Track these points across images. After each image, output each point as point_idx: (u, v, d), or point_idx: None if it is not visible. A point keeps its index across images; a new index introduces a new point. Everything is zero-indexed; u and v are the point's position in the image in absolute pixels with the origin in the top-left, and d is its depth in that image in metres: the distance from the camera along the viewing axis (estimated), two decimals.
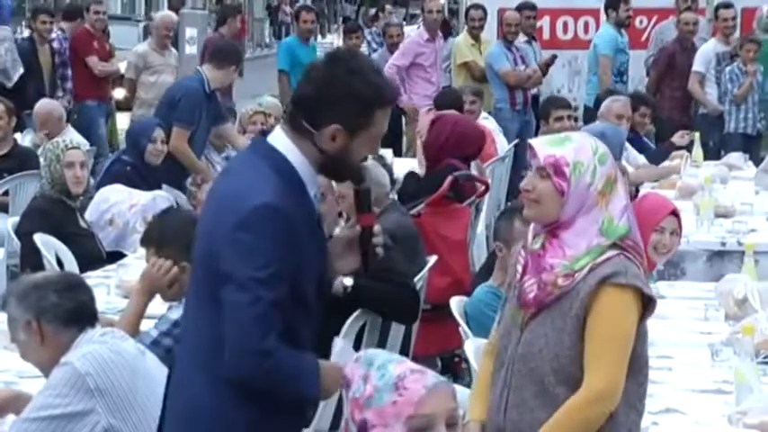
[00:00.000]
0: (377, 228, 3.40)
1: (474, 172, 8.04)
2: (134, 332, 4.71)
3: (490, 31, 13.69)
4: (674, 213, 5.80)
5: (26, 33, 16.24)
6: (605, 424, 3.56)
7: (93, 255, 7.07)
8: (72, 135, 9.72)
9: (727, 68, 12.32)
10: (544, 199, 3.61)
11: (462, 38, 13.49)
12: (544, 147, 3.64)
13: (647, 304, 3.61)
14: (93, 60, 13.13)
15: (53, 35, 13.32)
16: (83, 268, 6.56)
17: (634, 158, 9.63)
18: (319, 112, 3.32)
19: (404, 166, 9.60)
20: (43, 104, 10.36)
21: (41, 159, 7.96)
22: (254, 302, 3.22)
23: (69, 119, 11.27)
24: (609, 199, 3.61)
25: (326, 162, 3.35)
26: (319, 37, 14.20)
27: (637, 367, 3.61)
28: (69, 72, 13.22)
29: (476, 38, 13.32)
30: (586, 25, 14.36)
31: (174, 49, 13.14)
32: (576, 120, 9.95)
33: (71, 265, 6.82)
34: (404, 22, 17.38)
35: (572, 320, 3.55)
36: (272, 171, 3.34)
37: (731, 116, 12.26)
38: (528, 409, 3.59)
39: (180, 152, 8.81)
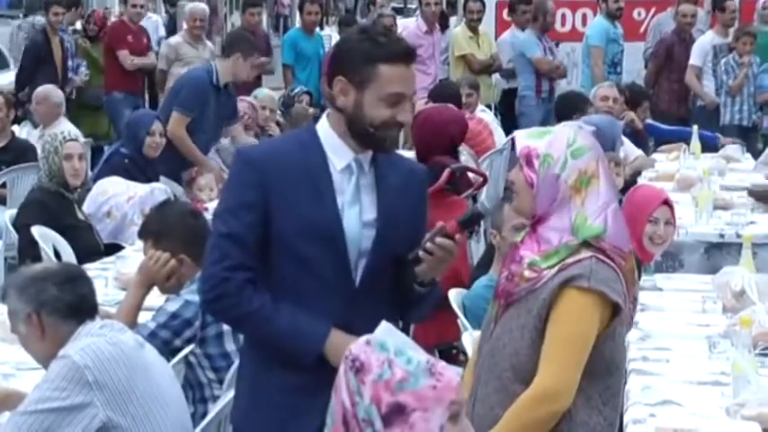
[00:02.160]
0: (441, 240, 3.49)
1: (471, 164, 8.03)
2: (131, 324, 4.71)
3: (488, 24, 13.71)
4: (667, 203, 5.79)
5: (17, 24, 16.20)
6: (563, 422, 3.52)
7: (91, 247, 7.07)
8: (66, 126, 9.70)
9: (723, 60, 12.34)
10: (519, 190, 3.61)
11: (460, 30, 13.50)
12: (523, 138, 3.64)
13: (618, 308, 3.55)
14: (123, 54, 13.09)
15: None
16: (81, 260, 6.56)
17: (632, 152, 9.63)
18: (331, 69, 3.57)
19: None
20: (44, 88, 10.33)
21: (39, 151, 7.96)
22: (212, 234, 3.60)
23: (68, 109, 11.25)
24: (585, 195, 3.55)
25: (348, 123, 3.51)
26: (318, 29, 14.16)
27: (604, 370, 3.56)
28: (70, 63, 13.20)
29: (474, 30, 13.33)
30: (584, 17, 14.36)
31: (210, 44, 13.04)
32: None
33: (69, 257, 6.82)
34: (393, 14, 17.32)
35: (534, 319, 3.53)
36: (292, 136, 3.86)
37: (726, 108, 12.28)
38: (489, 406, 3.58)
39: (177, 138, 8.74)
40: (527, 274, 3.55)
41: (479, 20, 13.37)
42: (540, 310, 3.53)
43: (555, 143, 3.59)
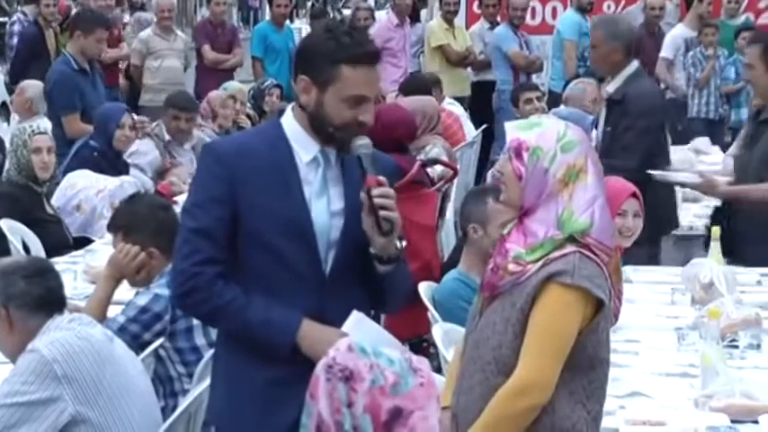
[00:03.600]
0: (376, 190, 3.47)
1: (444, 157, 8.04)
2: (101, 318, 4.70)
3: (458, 16, 13.72)
4: (635, 195, 5.81)
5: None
6: (546, 415, 3.52)
7: (60, 240, 7.05)
8: (41, 122, 9.64)
9: (689, 54, 12.41)
10: (507, 182, 3.60)
11: (437, 22, 13.50)
12: (514, 129, 3.62)
13: (602, 304, 3.54)
14: None
15: (14, 18, 13.24)
16: (50, 254, 6.54)
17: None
18: (296, 66, 3.58)
19: None
20: (26, 81, 10.23)
21: (8, 145, 7.91)
22: (181, 229, 3.57)
23: None
24: (573, 190, 3.54)
25: (310, 121, 3.53)
26: (288, 22, 14.18)
27: (587, 365, 3.56)
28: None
29: (450, 22, 13.33)
30: (554, 10, 14.39)
31: (181, 33, 13.03)
32: (539, 99, 10.08)
33: (38, 251, 6.79)
34: (371, 7, 17.26)
35: (517, 313, 3.53)
36: (258, 130, 3.94)
37: (693, 101, 12.36)
38: (473, 398, 3.58)
39: (83, 133, 8.73)
40: (512, 267, 3.54)
41: (455, 12, 13.36)
42: (523, 304, 3.52)
43: (545, 136, 3.58)
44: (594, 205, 3.56)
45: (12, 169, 7.20)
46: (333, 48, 3.48)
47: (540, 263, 3.52)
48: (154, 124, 9.14)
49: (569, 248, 3.52)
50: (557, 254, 3.52)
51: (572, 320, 3.51)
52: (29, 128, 7.40)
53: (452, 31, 13.27)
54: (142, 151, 8.79)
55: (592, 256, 3.53)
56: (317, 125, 3.52)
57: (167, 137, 8.99)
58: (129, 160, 8.70)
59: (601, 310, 3.55)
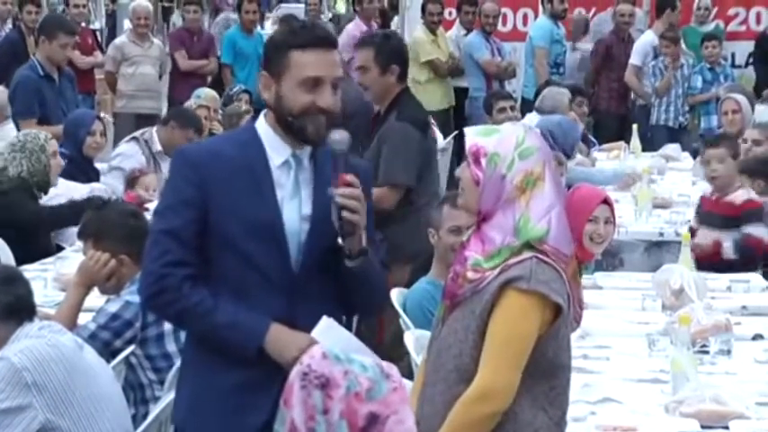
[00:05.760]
0: (342, 189, 3.44)
1: None
2: (71, 325, 4.68)
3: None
4: (606, 201, 5.83)
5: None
6: (507, 422, 3.53)
7: (46, 248, 7.01)
8: (10, 127, 9.58)
9: (651, 63, 12.49)
10: (465, 187, 3.60)
11: (423, 33, 13.23)
12: (473, 135, 3.63)
13: (560, 309, 3.54)
14: (75, 55, 12.96)
15: None
16: (20, 261, 6.50)
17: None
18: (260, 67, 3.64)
19: None
20: None
21: (8, 150, 7.68)
22: (151, 230, 3.59)
23: None
24: (530, 197, 3.54)
25: (276, 117, 3.54)
26: (259, 28, 14.20)
27: (548, 371, 3.57)
28: None
29: (434, 32, 13.22)
30: (525, 17, 14.40)
31: (157, 41, 13.01)
32: (512, 109, 10.11)
33: (8, 258, 6.75)
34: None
35: (476, 320, 3.53)
36: (231, 134, 3.94)
37: (654, 108, 12.44)
38: (436, 408, 3.58)
39: None
40: (470, 275, 3.55)
41: (439, 22, 13.24)
42: (482, 311, 3.53)
43: (503, 142, 3.58)
44: (551, 213, 3.55)
45: (24, 173, 7.10)
46: (283, 37, 3.54)
47: (497, 270, 3.52)
48: (143, 131, 9.08)
49: (526, 254, 3.53)
50: (514, 260, 3.52)
51: (530, 325, 3.51)
52: (40, 134, 7.35)
53: (437, 40, 13.16)
54: (127, 154, 8.76)
55: (549, 260, 3.53)
56: (280, 118, 3.53)
57: (159, 147, 8.88)
58: (112, 163, 8.70)
59: (560, 315, 3.55)
